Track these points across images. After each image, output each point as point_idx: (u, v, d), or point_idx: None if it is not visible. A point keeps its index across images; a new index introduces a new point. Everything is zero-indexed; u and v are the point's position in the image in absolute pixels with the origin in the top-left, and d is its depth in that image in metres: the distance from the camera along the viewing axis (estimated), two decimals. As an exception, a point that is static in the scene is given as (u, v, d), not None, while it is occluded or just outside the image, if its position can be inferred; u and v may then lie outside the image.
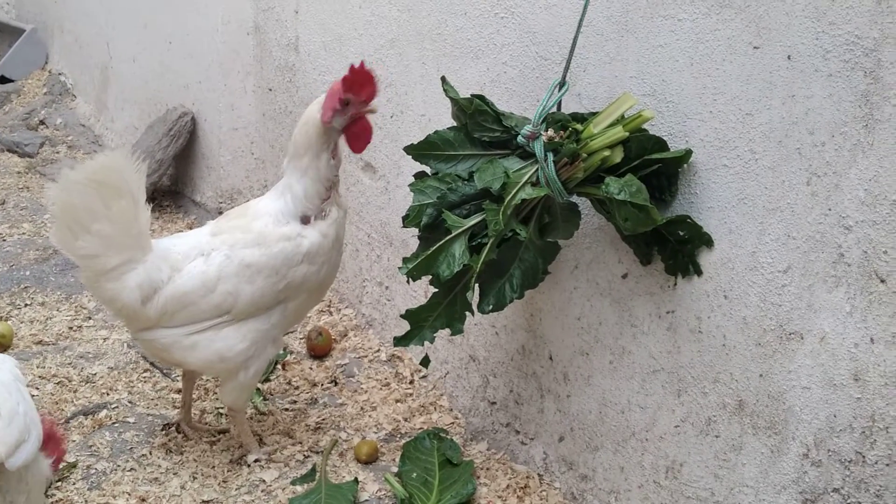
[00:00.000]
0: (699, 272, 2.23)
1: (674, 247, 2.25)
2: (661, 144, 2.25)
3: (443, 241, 2.37)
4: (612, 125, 2.26)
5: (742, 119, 2.08)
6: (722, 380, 2.20)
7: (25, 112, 5.99)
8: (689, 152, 2.21)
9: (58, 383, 3.26)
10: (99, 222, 2.55)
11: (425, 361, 2.76)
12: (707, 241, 2.20)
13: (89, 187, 2.54)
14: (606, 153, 2.24)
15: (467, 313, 2.50)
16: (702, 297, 2.24)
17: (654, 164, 2.24)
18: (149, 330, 2.70)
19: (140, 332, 2.72)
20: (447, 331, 2.51)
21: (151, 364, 3.38)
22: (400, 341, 2.53)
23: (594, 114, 2.34)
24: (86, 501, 2.67)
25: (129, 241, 2.61)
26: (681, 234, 2.22)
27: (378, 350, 3.55)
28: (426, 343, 2.52)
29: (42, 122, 5.88)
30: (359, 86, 2.61)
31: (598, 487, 2.62)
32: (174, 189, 5.11)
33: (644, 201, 2.15)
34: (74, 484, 2.74)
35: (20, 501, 2.00)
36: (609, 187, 2.18)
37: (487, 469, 2.87)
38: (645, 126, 2.27)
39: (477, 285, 2.43)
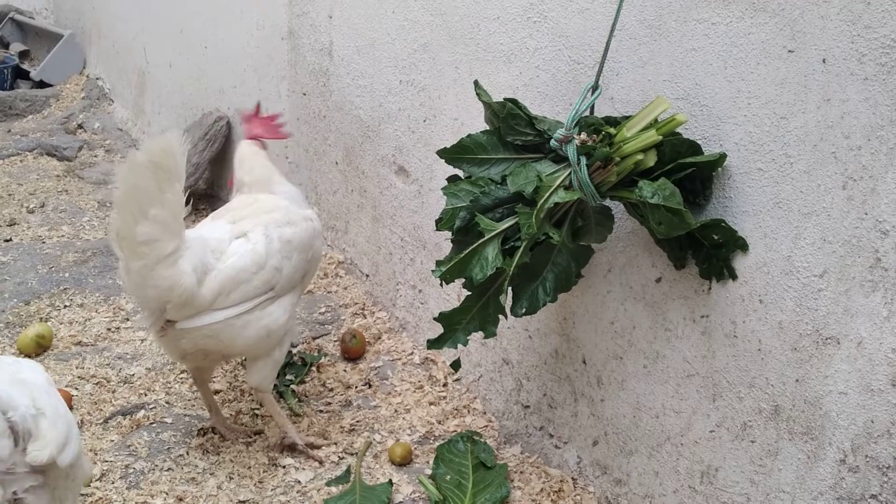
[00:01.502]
0: (734, 276, 2.22)
1: (708, 251, 2.25)
2: (694, 148, 2.24)
3: (476, 245, 2.38)
4: (645, 129, 2.26)
5: (777, 123, 2.07)
6: (758, 385, 2.19)
7: (64, 116, 6.09)
8: (723, 156, 2.20)
9: (96, 384, 3.31)
10: (155, 207, 2.50)
11: (456, 365, 2.76)
12: (742, 245, 2.19)
13: (149, 169, 2.49)
14: (640, 157, 2.24)
15: (500, 316, 2.50)
16: (737, 302, 2.23)
17: (687, 168, 2.23)
18: (198, 316, 2.68)
19: (188, 319, 2.68)
20: (480, 334, 2.52)
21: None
22: (433, 344, 2.55)
23: (627, 117, 2.34)
24: (124, 500, 2.71)
25: (178, 227, 2.59)
26: (715, 237, 2.21)
27: (411, 353, 3.56)
28: (459, 346, 2.53)
29: (80, 126, 5.97)
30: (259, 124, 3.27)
31: (633, 492, 2.61)
32: (209, 192, 5.16)
33: (678, 205, 2.15)
34: (113, 483, 2.78)
35: (69, 499, 2.04)
36: (642, 191, 2.17)
37: (521, 472, 2.88)
38: (678, 130, 2.26)
39: (510, 289, 2.43)
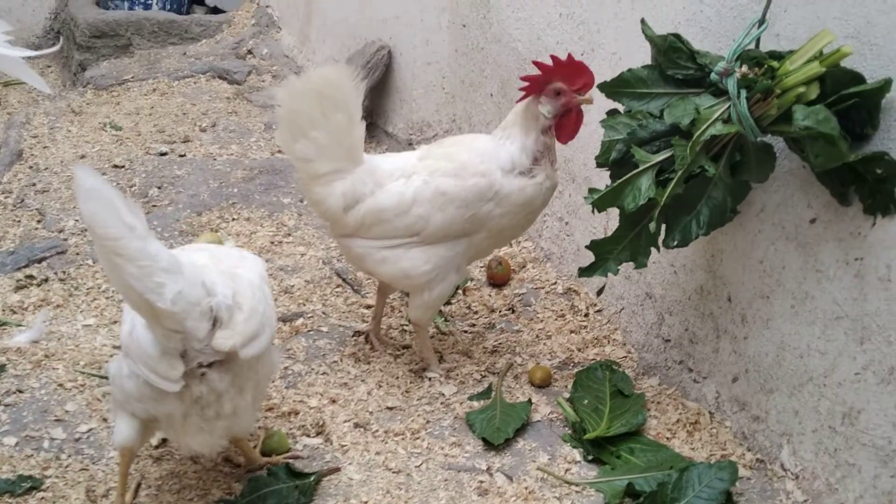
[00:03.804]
0: (900, 211, 2.18)
1: (872, 185, 2.20)
2: (858, 79, 2.20)
3: (629, 175, 2.43)
4: (808, 62, 2.23)
5: (953, 62, 2.01)
6: (909, 329, 2.16)
7: (235, 42, 6.37)
8: (888, 82, 2.14)
9: (260, 292, 3.54)
10: (316, 130, 2.79)
11: (601, 292, 2.83)
12: (905, 179, 2.14)
13: (310, 96, 2.77)
14: (801, 89, 2.22)
15: (652, 248, 2.55)
16: (893, 246, 2.19)
17: (850, 99, 2.19)
18: (347, 237, 2.94)
19: (340, 237, 2.98)
20: (630, 264, 2.57)
21: (343, 280, 3.62)
22: (584, 272, 2.62)
23: (792, 52, 2.31)
24: (283, 398, 2.93)
25: (340, 152, 2.84)
26: (878, 171, 2.17)
27: (555, 282, 3.64)
28: (609, 275, 2.59)
29: (250, 52, 6.23)
30: (572, 76, 2.75)
31: (770, 429, 2.63)
32: (368, 120, 5.26)
33: (831, 130, 2.11)
34: (274, 382, 3.01)
35: (248, 388, 2.27)
36: (795, 114, 2.16)
37: (658, 403, 2.94)
38: (843, 63, 2.22)
39: (664, 222, 2.47)
